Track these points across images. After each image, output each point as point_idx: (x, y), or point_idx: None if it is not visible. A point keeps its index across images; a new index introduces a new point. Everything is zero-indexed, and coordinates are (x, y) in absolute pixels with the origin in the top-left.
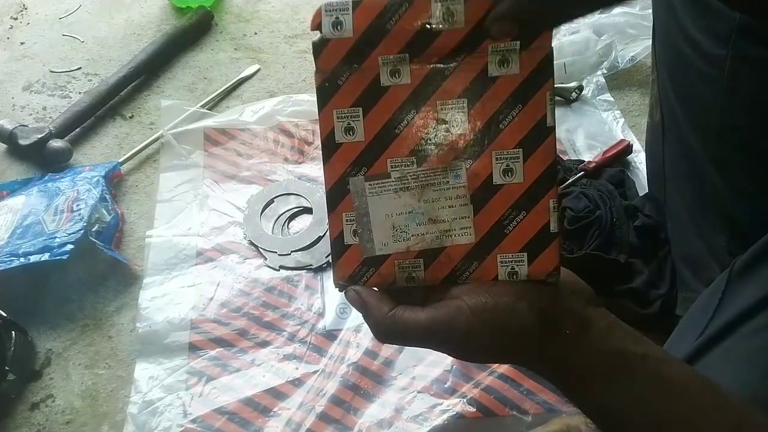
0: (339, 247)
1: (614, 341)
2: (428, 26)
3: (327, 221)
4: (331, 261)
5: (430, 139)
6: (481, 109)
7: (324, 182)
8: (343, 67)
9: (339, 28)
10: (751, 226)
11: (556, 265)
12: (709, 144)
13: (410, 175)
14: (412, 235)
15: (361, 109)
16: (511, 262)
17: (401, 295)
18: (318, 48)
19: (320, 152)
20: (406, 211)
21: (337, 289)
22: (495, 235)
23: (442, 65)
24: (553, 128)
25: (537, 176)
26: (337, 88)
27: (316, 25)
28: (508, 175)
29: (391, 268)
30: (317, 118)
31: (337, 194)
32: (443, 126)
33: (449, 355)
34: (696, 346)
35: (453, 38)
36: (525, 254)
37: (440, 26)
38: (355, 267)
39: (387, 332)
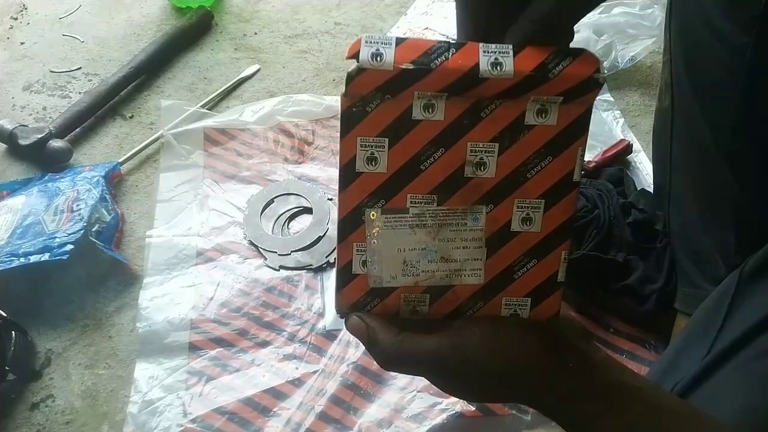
0: (346, 275)
1: (612, 374)
2: (474, 73)
3: (327, 221)
4: (334, 287)
5: (455, 180)
6: (511, 156)
7: (338, 209)
8: (375, 95)
9: (378, 59)
10: (762, 224)
11: (557, 311)
12: (723, 136)
13: (429, 213)
14: (422, 271)
15: (387, 139)
16: (515, 305)
17: (404, 325)
18: (352, 76)
19: (320, 152)
20: (420, 248)
21: (339, 315)
22: (504, 279)
23: (478, 106)
24: (579, 183)
25: (554, 228)
26: (365, 115)
27: (354, 54)
28: (526, 224)
29: (397, 300)
30: (318, 119)
31: (350, 223)
32: (470, 168)
33: (455, 390)
34: (706, 363)
35: (497, 86)
36: (529, 299)
37: (487, 75)
38: (360, 296)
39: (395, 357)
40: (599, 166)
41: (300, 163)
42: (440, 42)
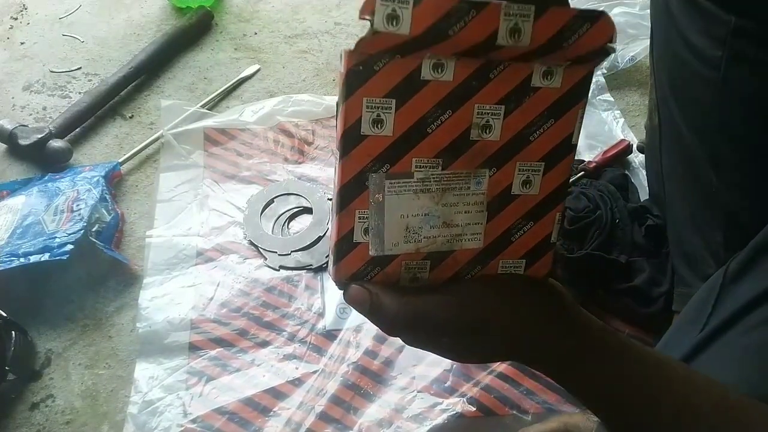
0: (345, 245)
1: (600, 324)
2: (491, 42)
3: (327, 221)
4: (332, 258)
5: (461, 143)
6: (516, 119)
7: (337, 177)
8: (383, 55)
9: (394, 22)
10: (747, 222)
11: (549, 270)
12: (705, 143)
13: (433, 178)
14: (424, 237)
15: (394, 100)
16: (511, 266)
17: (405, 292)
18: (365, 39)
19: (320, 152)
20: (423, 213)
21: (338, 287)
22: (502, 242)
23: (488, 67)
24: (576, 146)
25: (552, 190)
26: (372, 74)
27: (368, 13)
28: (526, 187)
29: (398, 267)
30: (318, 119)
31: (352, 190)
32: (476, 131)
33: (458, 352)
34: (696, 342)
35: (511, 53)
36: (524, 260)
37: (503, 43)
38: (360, 265)
39: (402, 320)
40: (600, 166)
41: (300, 163)
42: (461, 2)
